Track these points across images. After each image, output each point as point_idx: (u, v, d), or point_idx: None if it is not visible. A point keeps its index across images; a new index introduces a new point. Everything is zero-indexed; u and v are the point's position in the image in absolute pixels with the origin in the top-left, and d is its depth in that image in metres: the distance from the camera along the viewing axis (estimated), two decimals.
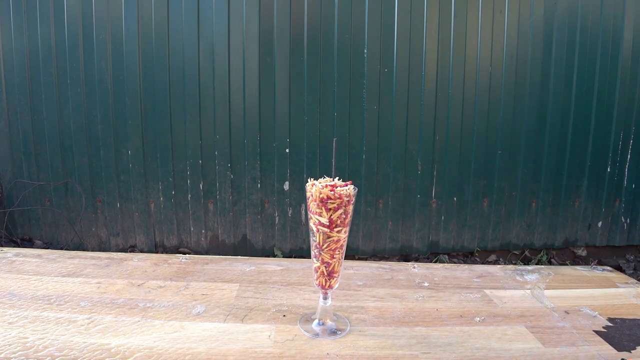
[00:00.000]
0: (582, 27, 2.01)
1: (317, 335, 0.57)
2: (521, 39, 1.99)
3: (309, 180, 0.53)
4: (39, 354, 0.49)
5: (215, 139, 1.97)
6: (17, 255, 0.80)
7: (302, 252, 2.07)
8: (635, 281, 0.79)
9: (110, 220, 2.03)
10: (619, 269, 2.13)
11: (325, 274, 0.56)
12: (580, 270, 0.85)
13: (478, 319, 0.63)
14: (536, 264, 2.18)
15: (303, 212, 2.05)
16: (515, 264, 2.19)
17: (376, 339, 0.57)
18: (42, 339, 0.52)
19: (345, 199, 0.51)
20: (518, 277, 0.79)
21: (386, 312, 0.64)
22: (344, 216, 0.53)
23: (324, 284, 0.57)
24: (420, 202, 2.06)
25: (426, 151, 2.02)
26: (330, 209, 0.51)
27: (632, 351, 0.56)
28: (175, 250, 2.05)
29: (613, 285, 0.78)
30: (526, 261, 2.21)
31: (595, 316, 0.65)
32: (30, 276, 0.70)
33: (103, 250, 2.03)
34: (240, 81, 1.94)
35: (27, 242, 2.06)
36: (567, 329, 0.61)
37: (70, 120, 1.94)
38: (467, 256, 2.18)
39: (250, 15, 1.89)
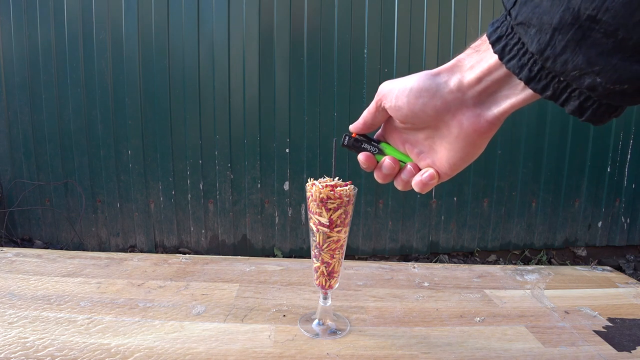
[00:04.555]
0: None
1: (317, 335, 0.57)
2: None
3: (309, 180, 0.53)
4: (39, 354, 0.49)
5: (215, 139, 1.97)
6: (17, 255, 0.80)
7: (302, 252, 2.07)
8: (635, 281, 0.79)
9: (110, 220, 2.03)
10: (619, 269, 2.13)
11: (325, 274, 0.56)
12: (580, 270, 0.85)
13: (478, 319, 0.63)
14: (536, 264, 2.18)
15: (303, 212, 2.05)
16: (515, 264, 2.19)
17: (376, 339, 0.57)
18: (42, 339, 0.52)
19: (345, 199, 0.51)
20: (518, 277, 0.79)
21: (386, 312, 0.64)
22: (344, 216, 0.53)
23: (324, 284, 0.57)
24: (420, 202, 2.06)
25: None
26: (330, 209, 0.51)
27: (632, 351, 0.56)
28: (175, 250, 2.05)
29: (613, 285, 0.78)
30: (526, 261, 2.21)
31: (595, 316, 0.65)
32: (30, 276, 0.70)
33: (103, 250, 2.04)
34: (240, 81, 1.94)
35: (27, 242, 2.06)
36: (567, 329, 0.61)
37: (70, 120, 1.94)
38: (467, 256, 2.18)
39: (250, 15, 1.89)
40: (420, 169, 0.43)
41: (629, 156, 2.13)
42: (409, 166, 0.43)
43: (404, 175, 0.43)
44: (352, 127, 0.46)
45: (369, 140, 0.45)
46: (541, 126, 2.05)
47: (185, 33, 1.89)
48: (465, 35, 1.96)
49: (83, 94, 1.92)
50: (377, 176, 0.45)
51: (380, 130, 0.46)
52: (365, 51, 1.94)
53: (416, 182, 0.42)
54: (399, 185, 0.44)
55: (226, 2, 1.88)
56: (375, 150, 0.45)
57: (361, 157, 0.45)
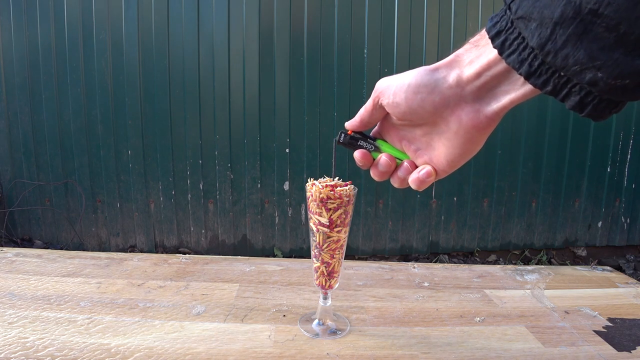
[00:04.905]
0: None
1: (317, 335, 0.57)
2: None
3: (309, 180, 0.53)
4: (39, 354, 0.49)
5: (215, 139, 1.97)
6: (17, 255, 0.80)
7: (302, 252, 2.07)
8: (635, 281, 0.79)
9: (110, 220, 2.03)
10: (619, 269, 2.13)
11: (325, 274, 0.56)
12: (580, 270, 0.85)
13: (478, 319, 0.63)
14: (536, 264, 2.18)
15: (303, 212, 2.05)
16: (515, 264, 2.19)
17: (376, 339, 0.57)
18: (42, 339, 0.52)
19: (345, 199, 0.51)
20: (518, 277, 0.79)
21: (386, 312, 0.64)
22: (344, 216, 0.53)
23: (324, 284, 0.57)
24: (420, 202, 2.06)
25: None
26: (330, 209, 0.51)
27: (632, 351, 0.56)
28: (175, 250, 2.05)
29: (613, 285, 0.78)
30: (526, 261, 2.21)
31: (595, 316, 0.65)
32: (30, 276, 0.70)
33: (103, 250, 2.04)
34: (240, 81, 1.94)
35: (27, 242, 2.06)
36: (567, 329, 0.61)
37: (70, 120, 1.94)
38: (467, 256, 2.18)
39: (250, 15, 1.89)
40: (417, 166, 0.42)
41: (629, 156, 2.13)
42: (405, 163, 0.43)
43: (400, 172, 0.43)
44: (348, 125, 0.45)
45: (365, 137, 0.45)
46: (541, 126, 2.05)
47: (185, 33, 1.89)
48: (465, 35, 1.96)
49: (83, 94, 1.92)
50: (373, 174, 0.45)
51: (376, 127, 0.45)
52: (365, 51, 1.94)
53: (413, 179, 0.42)
54: (395, 182, 0.44)
55: (226, 2, 1.88)
56: (371, 148, 0.45)
57: (357, 154, 0.44)
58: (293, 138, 1.98)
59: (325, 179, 0.53)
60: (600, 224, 2.19)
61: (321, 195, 0.51)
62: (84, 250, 1.71)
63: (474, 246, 2.14)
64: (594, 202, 2.16)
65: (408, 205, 2.06)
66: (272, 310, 0.63)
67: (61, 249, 2.01)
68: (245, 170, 2.00)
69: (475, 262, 2.17)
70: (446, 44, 1.96)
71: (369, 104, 0.43)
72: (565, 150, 2.09)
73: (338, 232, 0.53)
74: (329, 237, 0.53)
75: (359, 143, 0.45)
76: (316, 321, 0.60)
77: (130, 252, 1.93)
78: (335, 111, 1.97)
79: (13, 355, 0.49)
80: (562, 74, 0.30)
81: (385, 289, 0.72)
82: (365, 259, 2.10)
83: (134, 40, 1.89)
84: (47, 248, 2.05)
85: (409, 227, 2.08)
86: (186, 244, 2.06)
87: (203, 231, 2.05)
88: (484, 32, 0.35)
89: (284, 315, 0.62)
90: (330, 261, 0.55)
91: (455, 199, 2.08)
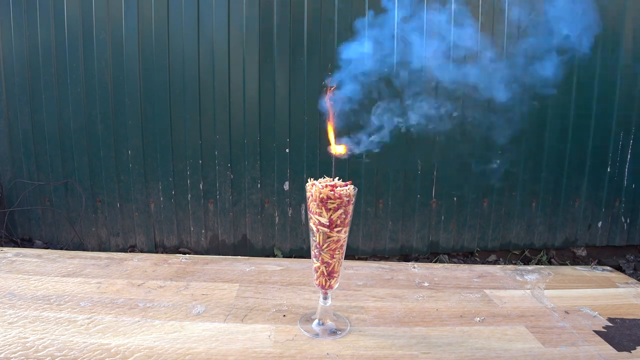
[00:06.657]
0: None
1: (317, 335, 0.57)
2: (521, 38, 1.98)
3: (309, 180, 0.53)
4: (39, 354, 0.49)
5: (215, 139, 1.97)
6: (17, 255, 0.80)
7: (302, 252, 2.07)
8: (635, 281, 0.79)
9: (110, 220, 2.03)
10: (619, 269, 2.12)
11: (325, 274, 0.56)
12: (580, 270, 0.85)
13: (478, 319, 0.63)
14: (536, 264, 2.18)
15: (303, 212, 2.04)
16: (515, 264, 2.19)
17: (376, 339, 0.57)
18: (42, 339, 0.52)
19: (345, 199, 0.51)
20: (518, 277, 0.79)
21: (386, 312, 0.64)
22: (344, 216, 0.53)
23: (324, 284, 0.57)
24: (420, 202, 2.06)
25: (426, 151, 2.02)
26: (330, 209, 0.51)
27: (632, 351, 0.56)
28: (175, 250, 2.05)
29: (613, 285, 0.78)
30: (526, 261, 2.20)
31: (595, 316, 0.65)
32: (30, 276, 0.70)
33: (103, 250, 2.03)
34: (240, 81, 1.94)
35: (27, 242, 2.06)
36: (567, 329, 0.61)
37: (70, 120, 1.94)
38: (467, 256, 2.18)
39: (250, 15, 1.89)
40: None
41: (629, 156, 2.13)
42: None
43: None
44: None
45: None
46: (541, 126, 2.05)
47: (185, 33, 1.89)
48: (465, 35, 1.96)
49: (83, 94, 1.92)
50: None
51: None
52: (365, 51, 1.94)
53: None
54: None
55: (226, 2, 1.88)
56: None
57: None
58: (293, 138, 1.98)
59: (325, 179, 0.53)
60: (600, 224, 2.19)
61: (321, 195, 0.51)
62: (84, 250, 1.71)
63: (474, 246, 2.14)
64: (594, 202, 2.16)
65: (408, 205, 2.06)
66: (272, 310, 0.63)
67: (61, 249, 2.01)
68: (245, 170, 2.00)
69: (475, 262, 2.17)
70: (446, 44, 1.96)
71: None
72: (565, 150, 2.08)
73: (338, 232, 0.53)
74: (329, 237, 0.53)
75: None
76: (316, 321, 0.60)
77: (130, 252, 1.93)
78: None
79: (13, 355, 0.49)
80: None
81: (385, 289, 0.72)
82: (365, 259, 2.10)
83: (134, 40, 1.89)
84: (47, 248, 2.05)
85: (409, 227, 2.08)
86: (186, 244, 2.06)
87: (203, 231, 2.05)
88: None
89: (284, 315, 0.62)
90: (330, 261, 0.55)
91: (455, 199, 2.08)
